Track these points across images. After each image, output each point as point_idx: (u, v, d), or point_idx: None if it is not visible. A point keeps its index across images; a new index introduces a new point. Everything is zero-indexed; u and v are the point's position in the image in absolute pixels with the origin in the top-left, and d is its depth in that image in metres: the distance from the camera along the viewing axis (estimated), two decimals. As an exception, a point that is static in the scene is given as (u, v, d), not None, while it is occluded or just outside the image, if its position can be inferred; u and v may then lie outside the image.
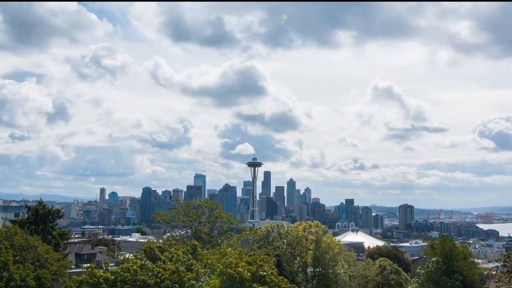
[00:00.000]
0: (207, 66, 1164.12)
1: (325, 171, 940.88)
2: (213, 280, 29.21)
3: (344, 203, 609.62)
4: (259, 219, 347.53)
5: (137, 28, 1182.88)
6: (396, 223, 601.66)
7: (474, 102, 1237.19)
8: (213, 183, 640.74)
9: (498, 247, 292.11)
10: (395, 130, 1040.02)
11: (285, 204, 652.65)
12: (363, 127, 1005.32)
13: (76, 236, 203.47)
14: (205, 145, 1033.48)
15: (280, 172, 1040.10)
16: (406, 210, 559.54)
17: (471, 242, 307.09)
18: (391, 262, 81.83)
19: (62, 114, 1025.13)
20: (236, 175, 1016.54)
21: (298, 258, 67.94)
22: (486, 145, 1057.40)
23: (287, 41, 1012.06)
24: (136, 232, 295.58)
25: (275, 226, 73.92)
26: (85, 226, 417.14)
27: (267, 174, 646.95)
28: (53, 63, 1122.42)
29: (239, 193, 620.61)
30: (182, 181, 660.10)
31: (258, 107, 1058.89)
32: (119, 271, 28.68)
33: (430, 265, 66.73)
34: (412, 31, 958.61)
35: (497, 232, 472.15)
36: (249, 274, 29.30)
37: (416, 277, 72.61)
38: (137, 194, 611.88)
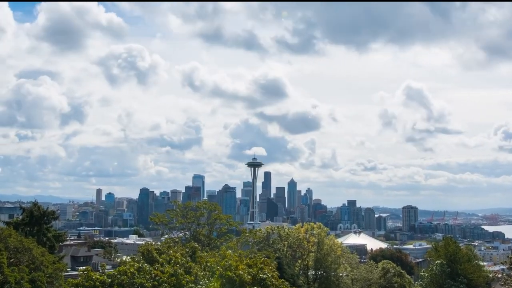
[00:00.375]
0: (233, 69, 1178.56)
1: (334, 172, 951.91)
2: (213, 283, 29.22)
3: (347, 204, 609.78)
4: (259, 221, 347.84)
5: (168, 29, 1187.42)
6: (399, 224, 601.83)
7: (496, 102, 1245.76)
8: (217, 184, 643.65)
9: (504, 249, 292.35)
10: (414, 132, 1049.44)
11: (286, 205, 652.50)
12: (382, 128, 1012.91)
13: (72, 238, 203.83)
14: (215, 146, 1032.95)
15: (288, 173, 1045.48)
16: (410, 211, 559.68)
17: (476, 244, 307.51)
18: (394, 265, 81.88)
19: (77, 114, 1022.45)
20: (241, 176, 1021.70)
21: (299, 261, 67.93)
22: (504, 145, 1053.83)
23: (314, 43, 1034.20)
24: (133, 234, 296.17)
25: (276, 228, 73.89)
26: (81, 228, 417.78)
27: (267, 175, 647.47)
28: (69, 63, 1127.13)
29: (238, 194, 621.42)
30: (186, 182, 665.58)
31: (278, 109, 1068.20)
32: (116, 274, 28.62)
33: (434, 267, 66.80)
34: (438, 34, 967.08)
35: (503, 234, 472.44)
36: (249, 277, 29.31)
37: (420, 280, 72.65)
38: (137, 195, 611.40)
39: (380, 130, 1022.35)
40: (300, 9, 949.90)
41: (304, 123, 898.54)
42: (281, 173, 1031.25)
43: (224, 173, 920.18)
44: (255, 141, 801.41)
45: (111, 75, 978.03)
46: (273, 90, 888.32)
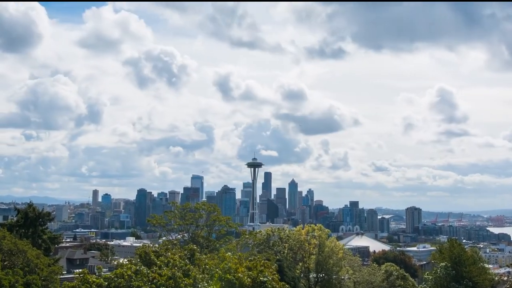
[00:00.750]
0: (260, 72, 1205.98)
1: (343, 173, 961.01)
2: (212, 286, 29.25)
3: (349, 206, 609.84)
4: (259, 222, 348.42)
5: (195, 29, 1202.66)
6: (403, 226, 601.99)
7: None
8: (221, 185, 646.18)
9: (509, 252, 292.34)
10: (436, 133, 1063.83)
11: (287, 207, 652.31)
12: (402, 129, 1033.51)
13: (68, 240, 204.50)
14: (226, 147, 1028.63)
15: (297, 174, 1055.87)
16: (414, 212, 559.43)
17: (482, 246, 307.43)
18: (397, 267, 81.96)
19: (92, 115, 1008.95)
20: (247, 177, 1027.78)
21: (300, 263, 67.93)
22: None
23: (343, 49, 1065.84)
24: (130, 236, 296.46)
25: (276, 230, 73.94)
26: (77, 230, 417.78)
27: (267, 175, 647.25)
28: (85, 61, 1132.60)
29: (238, 195, 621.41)
30: (188, 183, 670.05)
31: (299, 111, 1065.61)
32: (112, 276, 28.65)
33: (438, 270, 66.77)
34: (464, 37, 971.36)
35: (508, 236, 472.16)
36: (249, 280, 29.36)
37: (423, 283, 72.67)
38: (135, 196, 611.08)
39: (400, 131, 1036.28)
40: (331, 16, 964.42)
41: (325, 125, 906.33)
42: (291, 174, 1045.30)
43: (230, 174, 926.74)
44: (269, 143, 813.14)
45: (136, 76, 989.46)
46: (297, 94, 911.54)
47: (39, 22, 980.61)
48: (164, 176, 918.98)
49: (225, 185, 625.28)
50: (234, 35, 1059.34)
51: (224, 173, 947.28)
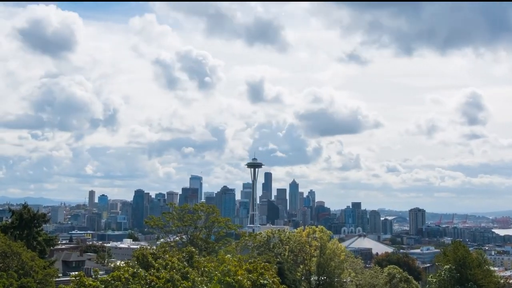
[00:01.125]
0: (287, 73, 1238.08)
1: (352, 174, 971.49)
2: (210, 289, 29.25)
3: (351, 207, 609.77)
4: (260, 224, 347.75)
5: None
6: (406, 228, 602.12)
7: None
8: (221, 186, 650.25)
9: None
10: (455, 134, 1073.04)
11: (287, 208, 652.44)
12: (423, 131, 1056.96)
13: (64, 242, 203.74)
14: (237, 148, 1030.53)
15: (305, 175, 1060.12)
16: (417, 214, 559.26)
17: (487, 248, 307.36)
18: (400, 270, 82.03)
19: (107, 117, 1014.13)
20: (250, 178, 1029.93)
21: (301, 266, 67.94)
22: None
23: (370, 50, 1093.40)
24: (127, 238, 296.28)
25: (277, 232, 73.93)
26: (73, 231, 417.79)
27: (267, 176, 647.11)
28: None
29: (238, 196, 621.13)
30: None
31: (320, 111, 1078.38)
32: (109, 279, 28.63)
33: (442, 273, 66.86)
34: (490, 39, 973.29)
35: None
36: (249, 282, 29.35)
37: (427, 286, 72.81)
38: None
39: (422, 132, 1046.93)
40: (363, 21, 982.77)
41: (347, 126, 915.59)
42: (298, 175, 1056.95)
43: (237, 175, 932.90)
44: (281, 144, 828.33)
45: (163, 77, 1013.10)
46: (322, 95, 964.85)
47: (75, 26, 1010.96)
48: (168, 177, 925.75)
49: (224, 186, 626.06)
50: (265, 38, 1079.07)
51: (231, 173, 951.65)
